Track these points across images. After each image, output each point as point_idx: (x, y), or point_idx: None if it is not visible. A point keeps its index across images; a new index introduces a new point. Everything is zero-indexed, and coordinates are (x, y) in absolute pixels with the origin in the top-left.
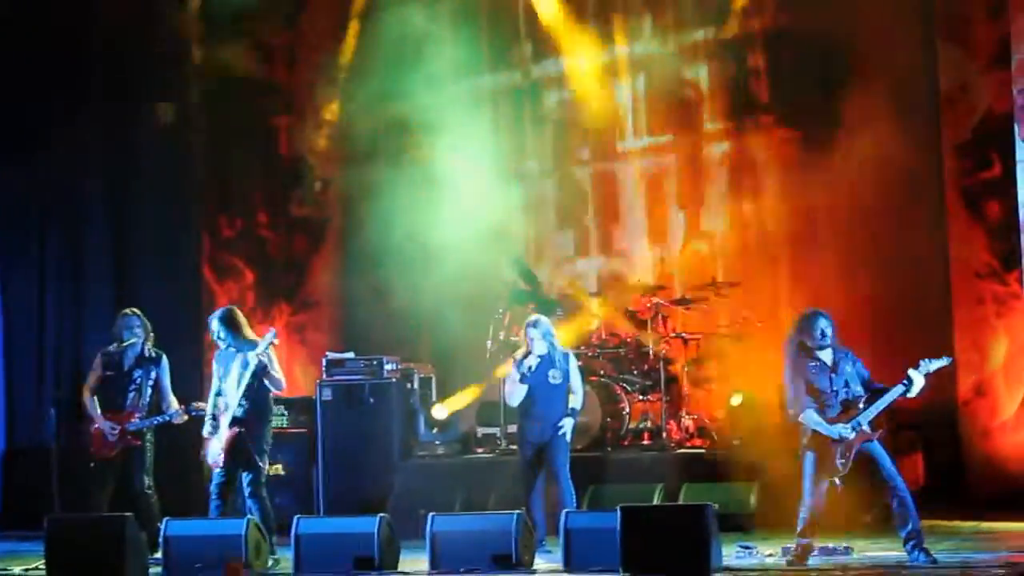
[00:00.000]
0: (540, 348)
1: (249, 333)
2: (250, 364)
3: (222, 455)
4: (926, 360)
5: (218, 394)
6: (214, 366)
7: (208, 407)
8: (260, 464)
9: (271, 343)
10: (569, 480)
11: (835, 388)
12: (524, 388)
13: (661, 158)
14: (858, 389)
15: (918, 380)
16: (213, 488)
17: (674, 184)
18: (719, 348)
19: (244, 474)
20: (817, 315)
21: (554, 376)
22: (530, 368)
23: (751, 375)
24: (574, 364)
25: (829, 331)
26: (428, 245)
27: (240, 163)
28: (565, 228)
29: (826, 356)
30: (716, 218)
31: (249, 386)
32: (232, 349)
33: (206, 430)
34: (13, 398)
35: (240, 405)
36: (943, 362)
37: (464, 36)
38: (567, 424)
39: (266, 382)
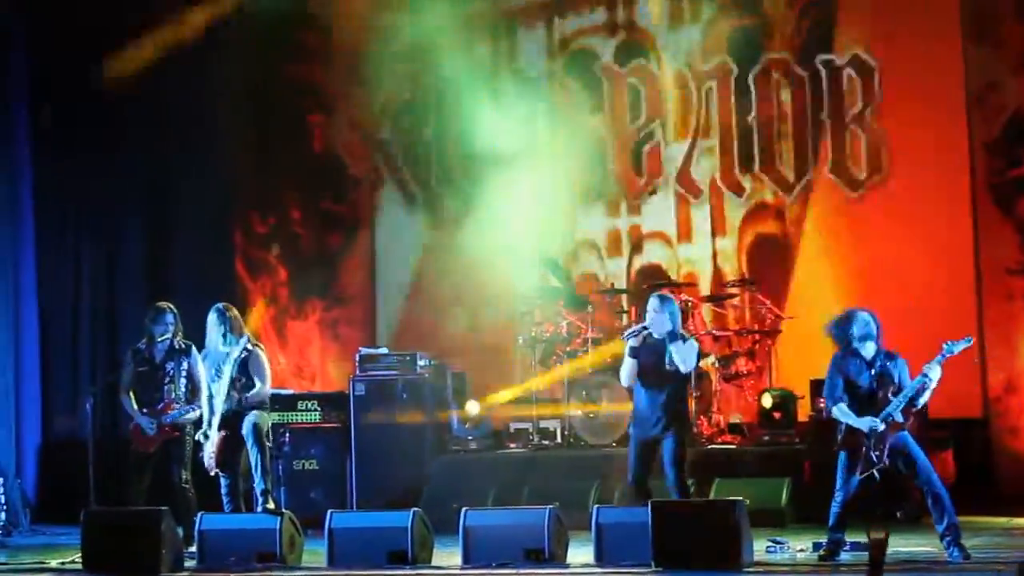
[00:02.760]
0: (658, 327)
1: (241, 331)
2: (231, 358)
3: (215, 458)
4: (949, 342)
5: (211, 396)
6: (203, 367)
7: (204, 411)
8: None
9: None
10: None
11: (872, 385)
12: (633, 363)
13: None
14: (890, 384)
15: (934, 369)
16: (224, 494)
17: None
18: (750, 344)
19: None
20: (860, 312)
21: (669, 362)
22: (643, 341)
23: (782, 371)
24: (695, 346)
25: (872, 329)
26: (461, 239)
27: (274, 160)
28: (597, 220)
29: (867, 353)
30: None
31: (233, 380)
32: (221, 348)
33: (200, 435)
34: (49, 391)
35: (227, 402)
36: (966, 343)
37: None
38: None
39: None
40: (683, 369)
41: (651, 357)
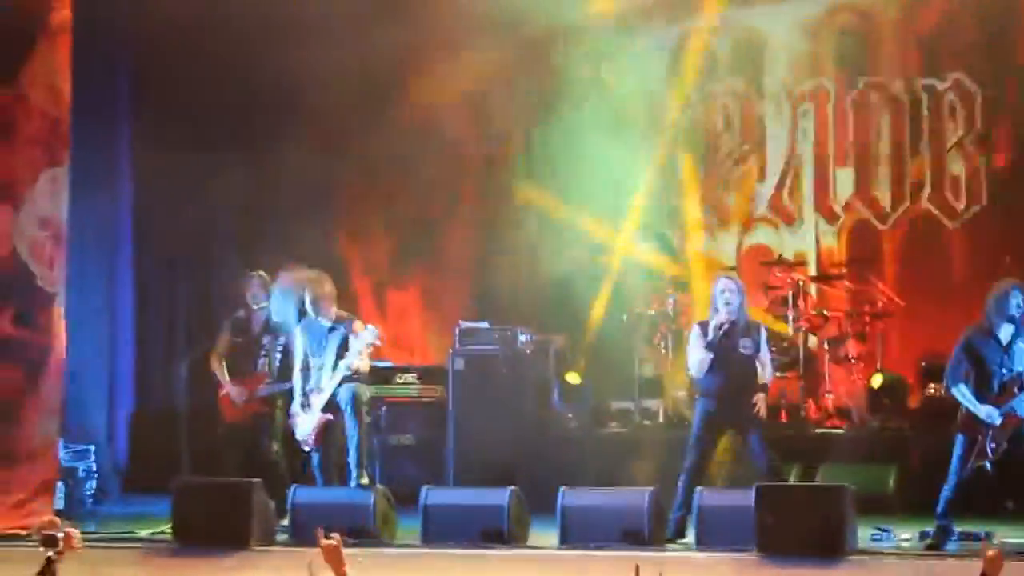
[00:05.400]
0: (729, 313)
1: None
2: (350, 361)
3: (313, 434)
4: None
5: (305, 369)
6: (299, 338)
7: (296, 383)
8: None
9: (373, 343)
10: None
11: (1003, 367)
12: (709, 356)
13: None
14: (1022, 371)
15: None
16: (316, 468)
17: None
18: (860, 327)
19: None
20: (1015, 289)
21: (745, 346)
22: (720, 334)
23: (893, 355)
24: (764, 335)
25: (1013, 304)
26: (567, 214)
27: (378, 125)
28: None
29: (1005, 333)
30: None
31: (335, 360)
32: (322, 321)
33: (295, 407)
34: (144, 358)
35: (334, 391)
36: None
37: None
38: (760, 400)
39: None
40: (766, 379)
41: (727, 341)
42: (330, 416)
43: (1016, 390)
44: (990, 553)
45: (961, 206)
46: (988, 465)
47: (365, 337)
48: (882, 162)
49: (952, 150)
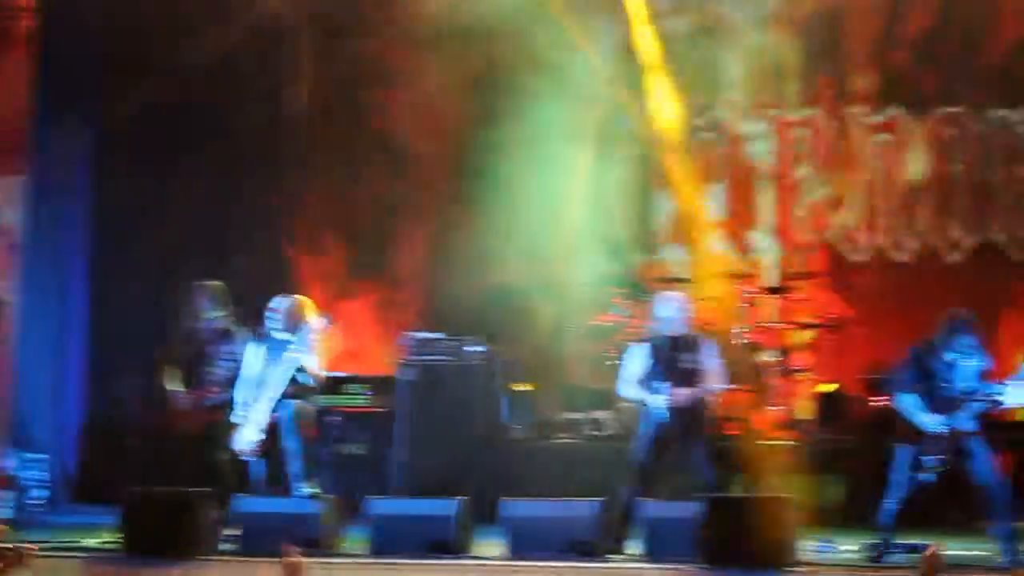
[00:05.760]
0: (672, 328)
1: (303, 322)
2: (295, 352)
3: (256, 445)
4: None
5: (251, 380)
6: (251, 349)
7: (239, 394)
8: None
9: (318, 330)
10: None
11: (947, 383)
12: (652, 364)
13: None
14: (969, 386)
15: (1010, 389)
16: (257, 480)
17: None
18: (809, 339)
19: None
20: (956, 315)
21: (688, 360)
22: (663, 348)
23: (841, 367)
24: (711, 347)
25: (963, 331)
26: (518, 225)
27: (331, 136)
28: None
29: (951, 355)
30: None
31: (289, 375)
32: (277, 335)
33: (237, 417)
34: (94, 368)
35: (280, 394)
36: None
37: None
38: (709, 407)
39: (301, 376)
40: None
41: (669, 355)
42: (275, 415)
43: (959, 404)
44: (927, 552)
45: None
46: (929, 477)
47: (314, 325)
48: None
49: None
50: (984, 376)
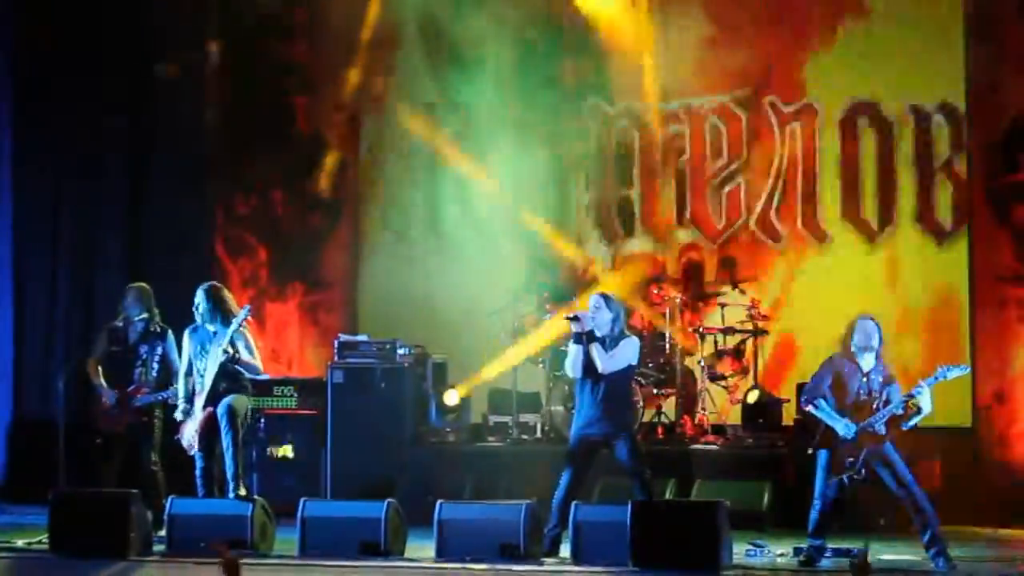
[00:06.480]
0: (597, 329)
1: (231, 312)
2: (223, 342)
3: (197, 438)
4: (943, 366)
5: (188, 374)
6: (185, 344)
7: (180, 389)
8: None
9: (245, 319)
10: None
11: (861, 393)
12: (578, 350)
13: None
14: (879, 395)
15: (925, 391)
16: (198, 475)
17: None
18: (736, 344)
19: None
20: (865, 321)
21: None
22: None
23: (768, 374)
24: (631, 344)
25: (874, 340)
26: (445, 227)
27: (257, 140)
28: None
29: (865, 362)
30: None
31: (223, 364)
32: (208, 327)
33: (179, 413)
34: (22, 370)
35: (217, 383)
36: (961, 371)
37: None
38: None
39: (238, 366)
40: (600, 369)
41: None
42: (211, 408)
43: (873, 408)
44: (857, 556)
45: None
46: (846, 480)
47: (237, 316)
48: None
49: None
50: (891, 381)
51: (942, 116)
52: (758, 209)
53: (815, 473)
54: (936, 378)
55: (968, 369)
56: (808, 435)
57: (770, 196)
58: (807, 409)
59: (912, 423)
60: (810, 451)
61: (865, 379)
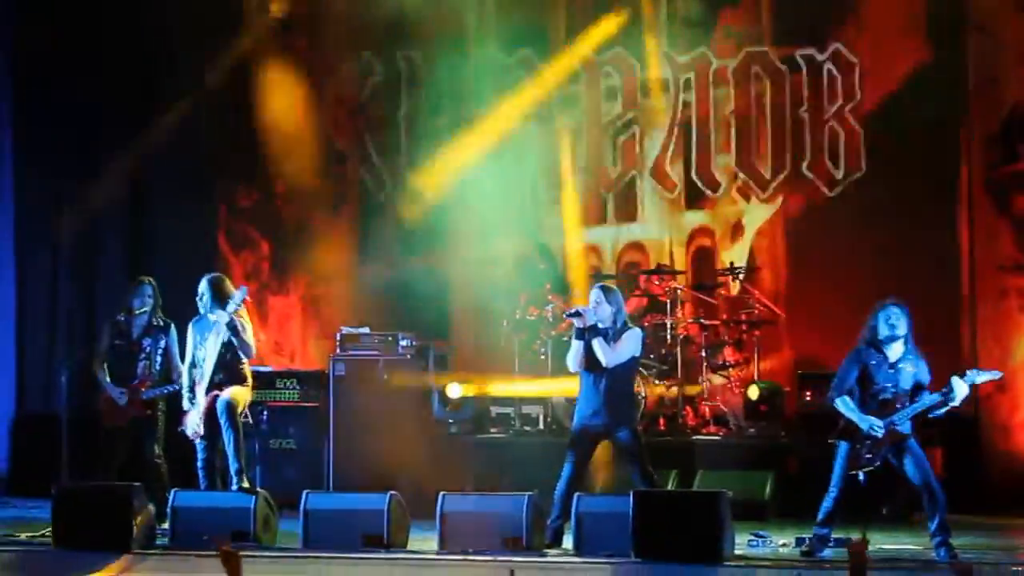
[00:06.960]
0: (599, 322)
1: (226, 294)
2: (221, 325)
3: (201, 426)
4: (974, 370)
5: (192, 365)
6: (189, 335)
7: (184, 379)
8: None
9: (242, 300)
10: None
11: (888, 388)
12: (579, 345)
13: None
14: (905, 389)
15: (960, 389)
16: (200, 466)
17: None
18: (737, 335)
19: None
20: (891, 308)
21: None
22: (584, 328)
23: (771, 363)
24: (633, 336)
25: (901, 324)
26: (446, 221)
27: (259, 134)
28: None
29: (892, 351)
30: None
31: (222, 353)
32: (210, 316)
33: (187, 403)
34: (25, 364)
35: (216, 372)
36: (993, 375)
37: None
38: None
39: (235, 344)
40: (604, 362)
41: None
42: (217, 392)
43: (897, 406)
44: (853, 545)
45: (840, 174)
46: (861, 476)
47: (235, 298)
48: (763, 131)
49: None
50: (921, 379)
51: (833, 65)
52: None
53: (825, 462)
54: (969, 380)
55: (1000, 375)
56: (811, 426)
57: None
58: (833, 405)
59: (940, 413)
60: (830, 440)
61: (892, 370)
